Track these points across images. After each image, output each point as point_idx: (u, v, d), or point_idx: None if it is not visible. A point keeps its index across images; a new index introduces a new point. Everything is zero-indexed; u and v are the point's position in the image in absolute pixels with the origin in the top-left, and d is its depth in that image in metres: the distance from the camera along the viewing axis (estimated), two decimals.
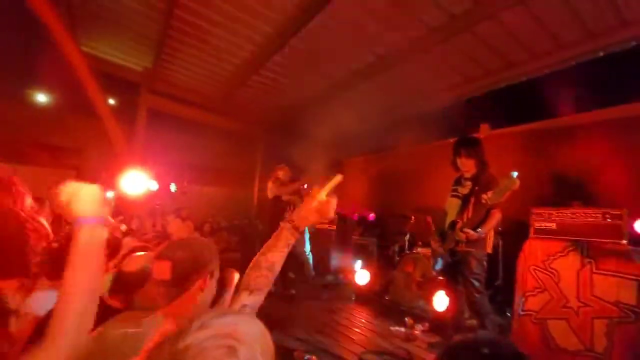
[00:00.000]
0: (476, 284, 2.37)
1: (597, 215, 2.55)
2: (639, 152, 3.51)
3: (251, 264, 1.02)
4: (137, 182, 4.47)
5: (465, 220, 2.48)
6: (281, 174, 4.45)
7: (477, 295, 2.35)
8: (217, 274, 1.04)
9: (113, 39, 4.98)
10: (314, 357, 2.29)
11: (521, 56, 4.31)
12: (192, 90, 6.21)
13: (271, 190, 4.41)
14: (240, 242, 6.96)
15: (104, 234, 0.81)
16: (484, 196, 2.30)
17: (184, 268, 0.94)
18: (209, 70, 5.47)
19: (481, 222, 2.41)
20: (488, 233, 2.52)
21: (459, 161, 2.61)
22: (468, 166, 2.59)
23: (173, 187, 6.49)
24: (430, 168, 5.26)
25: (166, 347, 0.49)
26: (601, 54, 3.97)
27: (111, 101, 5.53)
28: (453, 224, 2.53)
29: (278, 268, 1.02)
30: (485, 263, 2.50)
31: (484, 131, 4.90)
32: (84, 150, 6.25)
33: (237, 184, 7.90)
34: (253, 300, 0.97)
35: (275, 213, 4.28)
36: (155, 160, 5.87)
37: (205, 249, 1.03)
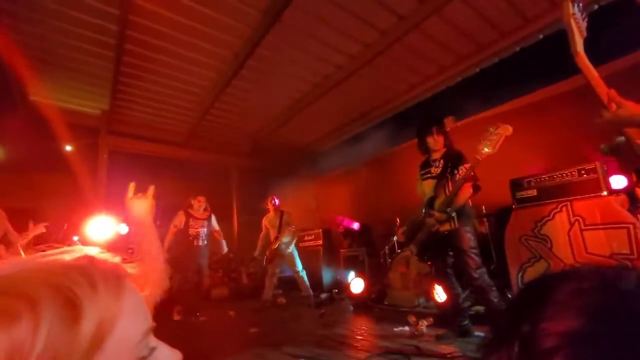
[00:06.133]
0: (475, 257, 2.27)
1: (573, 173, 2.57)
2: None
3: None
4: (103, 228, 4.12)
5: (445, 196, 2.43)
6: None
7: (477, 270, 2.24)
8: None
9: (66, 84, 4.80)
10: None
11: (471, 47, 4.51)
12: (154, 127, 6.04)
13: None
14: (223, 277, 6.68)
15: None
16: (465, 166, 2.33)
17: None
18: (168, 104, 5.36)
19: (452, 200, 2.37)
20: (470, 208, 2.50)
21: (430, 140, 2.61)
22: (439, 144, 2.61)
23: None
24: (406, 168, 5.27)
25: None
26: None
27: (69, 147, 5.25)
28: (431, 200, 2.49)
29: None
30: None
31: (449, 124, 5.02)
32: (39, 209, 5.78)
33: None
34: None
35: None
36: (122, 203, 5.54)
37: None
